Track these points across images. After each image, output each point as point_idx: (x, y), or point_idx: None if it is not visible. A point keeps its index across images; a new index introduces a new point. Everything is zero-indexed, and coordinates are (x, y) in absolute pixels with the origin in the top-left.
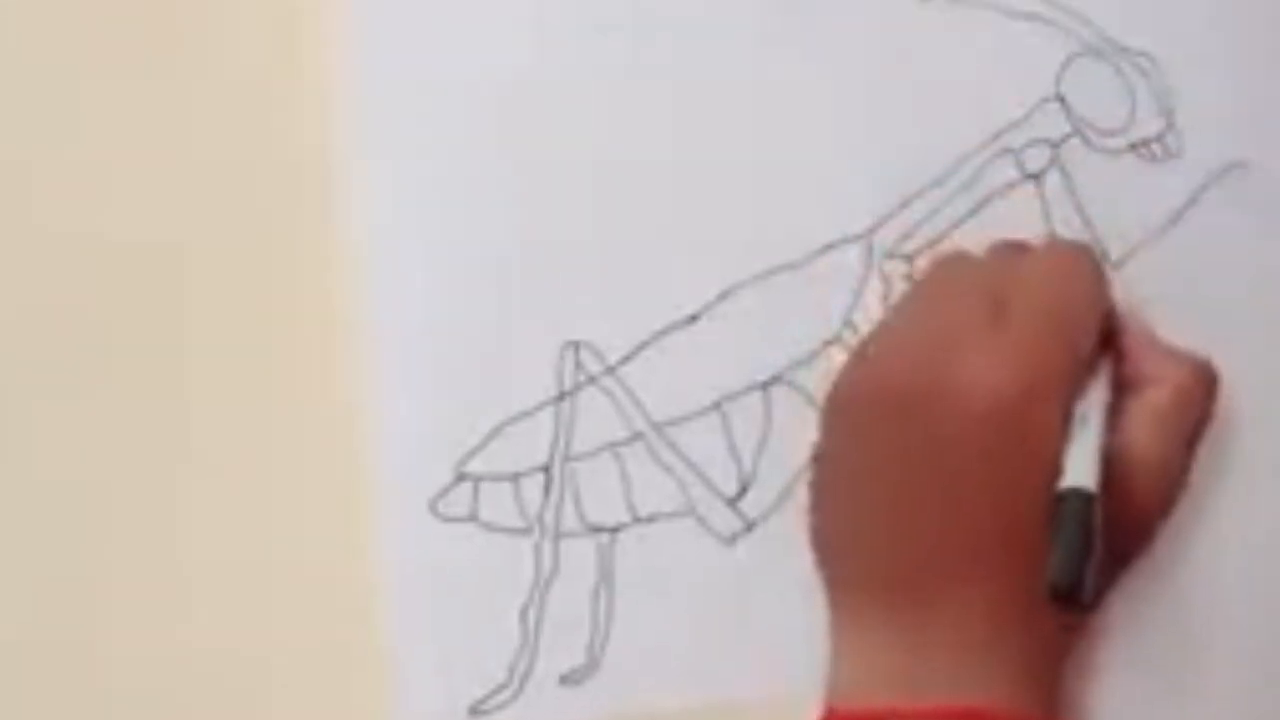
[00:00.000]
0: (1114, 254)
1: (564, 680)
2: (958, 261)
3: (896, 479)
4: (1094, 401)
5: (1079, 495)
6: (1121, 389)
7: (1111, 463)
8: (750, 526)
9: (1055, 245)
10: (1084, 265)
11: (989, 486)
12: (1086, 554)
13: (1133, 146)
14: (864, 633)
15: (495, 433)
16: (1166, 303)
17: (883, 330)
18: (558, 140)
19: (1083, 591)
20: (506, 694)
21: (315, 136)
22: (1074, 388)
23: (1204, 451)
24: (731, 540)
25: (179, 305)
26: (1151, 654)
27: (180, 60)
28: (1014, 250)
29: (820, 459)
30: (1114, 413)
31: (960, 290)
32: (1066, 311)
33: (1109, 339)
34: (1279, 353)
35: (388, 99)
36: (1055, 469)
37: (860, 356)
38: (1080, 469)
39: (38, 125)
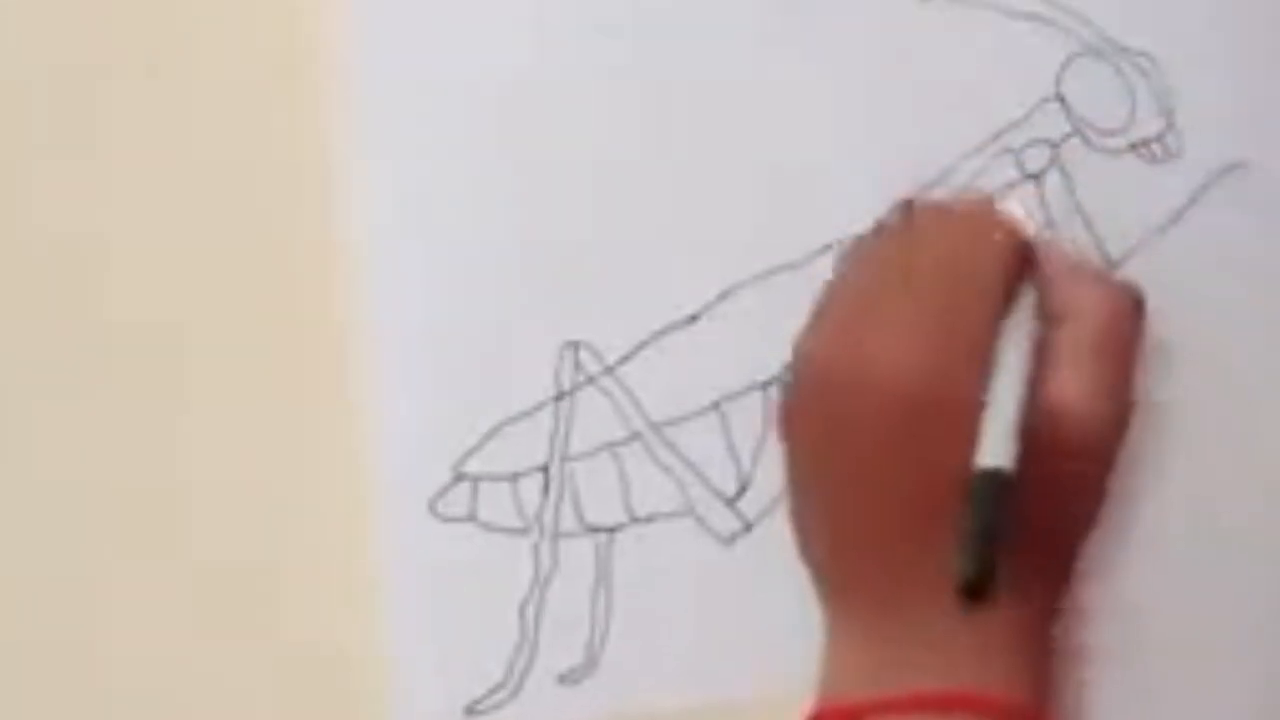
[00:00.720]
0: (1114, 254)
1: (562, 680)
2: (867, 235)
3: (831, 471)
4: (1012, 351)
5: (988, 476)
6: (1047, 322)
7: (1045, 406)
8: (749, 526)
9: (952, 207)
10: (981, 210)
11: (917, 467)
12: (995, 541)
13: (1133, 146)
14: (839, 629)
15: (494, 433)
16: (1166, 303)
17: (811, 317)
18: (558, 140)
19: (993, 584)
20: (504, 693)
21: (315, 136)
22: (988, 345)
23: (1203, 450)
24: (730, 540)
25: (179, 305)
26: (1139, 637)
27: (180, 61)
28: (911, 209)
29: (784, 458)
30: (1042, 349)
31: (869, 263)
32: (968, 261)
33: (1029, 271)
34: (1277, 352)
35: (388, 99)
36: (972, 440)
37: (795, 345)
38: (994, 446)
39: (38, 126)
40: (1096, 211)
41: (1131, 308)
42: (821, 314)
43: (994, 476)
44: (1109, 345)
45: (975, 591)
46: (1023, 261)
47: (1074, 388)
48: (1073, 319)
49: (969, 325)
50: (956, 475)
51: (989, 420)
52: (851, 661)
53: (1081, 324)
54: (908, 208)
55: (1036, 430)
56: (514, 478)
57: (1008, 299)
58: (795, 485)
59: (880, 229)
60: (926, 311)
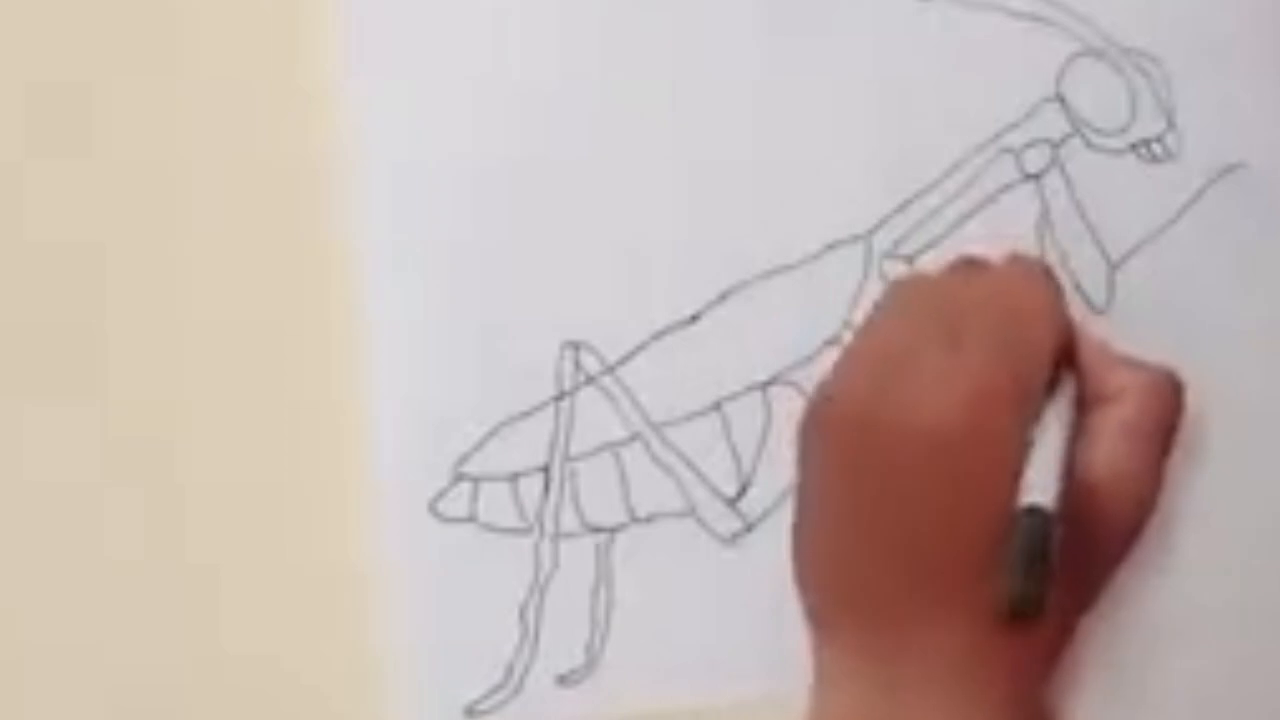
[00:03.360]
0: (1114, 254)
1: (562, 680)
2: (914, 283)
3: (856, 508)
4: (1054, 421)
5: (1036, 512)
6: (1085, 407)
7: (1080, 480)
8: (749, 527)
9: (1011, 264)
10: (1039, 285)
11: (947, 513)
12: (1044, 568)
13: (1133, 146)
14: (842, 666)
15: (494, 433)
16: (1165, 303)
17: (843, 356)
18: (558, 140)
19: (1040, 606)
20: (504, 694)
21: (315, 137)
22: (1029, 411)
23: (1198, 452)
24: (731, 540)
25: (179, 306)
26: (1128, 666)
27: (181, 61)
28: (970, 269)
29: (797, 489)
30: (1080, 431)
31: (914, 313)
32: (1019, 334)
33: (1069, 357)
34: (1277, 353)
35: (388, 99)
36: (1012, 493)
37: (823, 383)
38: (1038, 487)
39: (35, 127)
40: (1096, 211)
41: (1172, 393)
42: (858, 356)
43: (1038, 511)
44: (1147, 427)
45: (1021, 611)
46: (1068, 340)
47: (1108, 466)
48: (1113, 401)
49: (1011, 386)
50: (992, 523)
51: (1033, 468)
52: (844, 700)
53: (1122, 406)
54: (962, 263)
55: (1067, 501)
56: (514, 478)
57: (1054, 371)
58: (808, 519)
59: (914, 279)
60: (971, 368)
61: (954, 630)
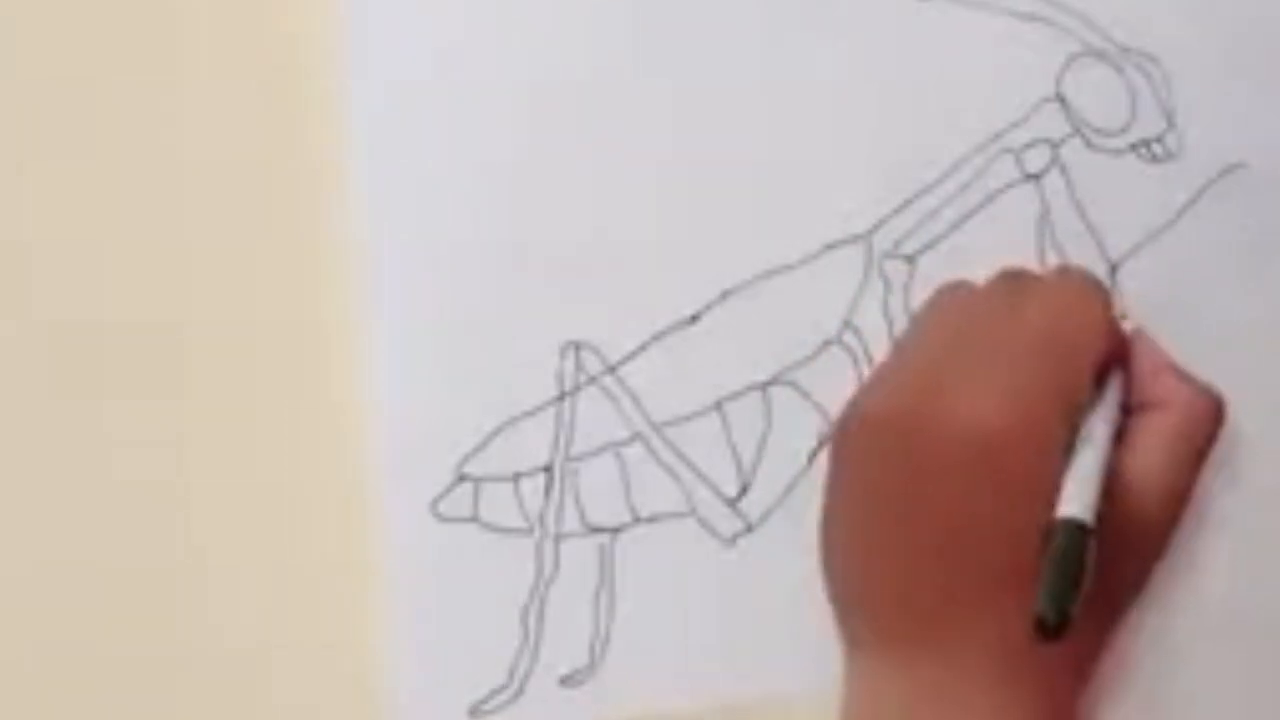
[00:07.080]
0: (1114, 254)
1: (564, 681)
2: (962, 292)
3: (896, 510)
4: (1099, 427)
5: (1073, 526)
6: (1130, 411)
7: (1113, 483)
8: (750, 527)
9: (1060, 279)
10: (1088, 301)
11: (988, 518)
12: (1077, 586)
13: (1133, 146)
14: (875, 673)
15: (496, 433)
16: (1166, 303)
17: (888, 359)
18: (558, 140)
19: (1069, 626)
20: (506, 695)
21: (315, 136)
22: (1069, 426)
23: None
24: (731, 541)
25: (178, 306)
26: (1150, 678)
27: (181, 61)
28: (1016, 278)
29: (827, 492)
30: (1121, 433)
31: (961, 323)
32: (1065, 351)
33: (1119, 361)
34: (1277, 353)
35: (388, 99)
36: (1050, 505)
37: (863, 388)
38: (1078, 499)
39: (37, 127)
40: (1096, 211)
41: (1214, 412)
42: (903, 361)
43: (1076, 525)
44: (1186, 440)
45: (1051, 630)
46: (1118, 348)
47: (1141, 471)
48: (1158, 409)
49: (1053, 405)
50: (1030, 534)
51: (1073, 478)
52: (876, 707)
53: (1166, 415)
54: (1008, 273)
55: (1109, 494)
56: (516, 478)
57: (1099, 382)
58: (843, 525)
59: (962, 287)
60: (1015, 384)
61: (989, 632)
